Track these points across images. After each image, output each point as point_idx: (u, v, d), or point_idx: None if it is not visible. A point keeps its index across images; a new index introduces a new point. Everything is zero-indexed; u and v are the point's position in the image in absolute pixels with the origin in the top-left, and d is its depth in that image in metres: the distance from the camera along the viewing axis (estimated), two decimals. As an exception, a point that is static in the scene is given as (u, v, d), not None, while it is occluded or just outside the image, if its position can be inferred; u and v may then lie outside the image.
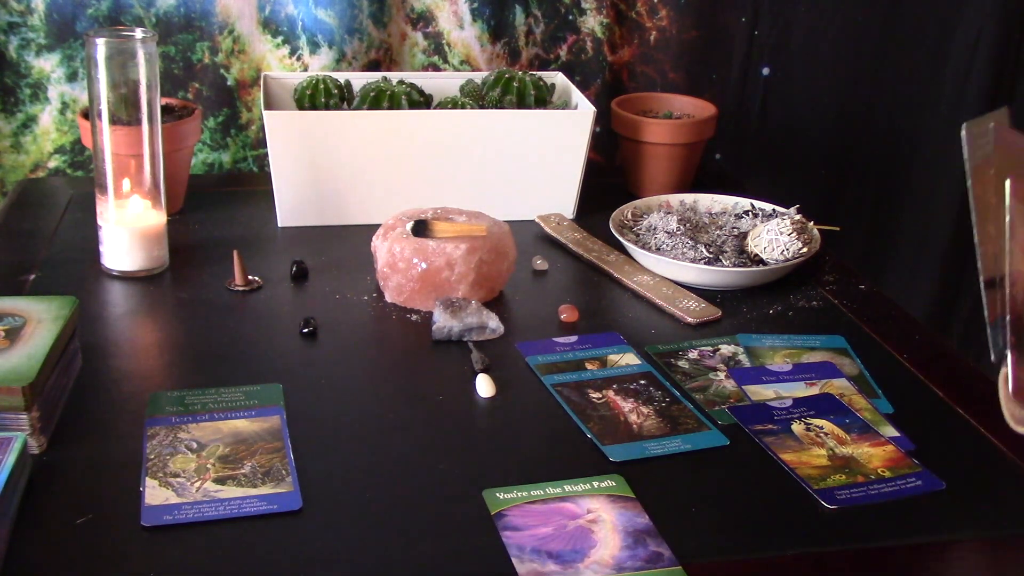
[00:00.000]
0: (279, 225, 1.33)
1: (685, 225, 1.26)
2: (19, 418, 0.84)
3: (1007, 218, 0.80)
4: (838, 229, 1.30)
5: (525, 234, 1.30)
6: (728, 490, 0.86)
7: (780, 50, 1.71)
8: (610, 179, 1.51)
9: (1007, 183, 0.81)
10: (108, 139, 1.14)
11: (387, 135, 1.30)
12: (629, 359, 1.04)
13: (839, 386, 1.01)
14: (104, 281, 1.17)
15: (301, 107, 1.35)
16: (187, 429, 0.90)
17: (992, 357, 0.83)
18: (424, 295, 1.11)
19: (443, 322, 1.06)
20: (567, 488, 0.84)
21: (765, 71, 1.72)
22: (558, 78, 1.48)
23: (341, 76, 1.38)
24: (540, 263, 1.25)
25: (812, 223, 1.26)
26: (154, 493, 0.81)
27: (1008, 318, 0.80)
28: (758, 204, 1.33)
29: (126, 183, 1.16)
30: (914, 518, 0.84)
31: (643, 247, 1.22)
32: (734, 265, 1.19)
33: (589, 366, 1.03)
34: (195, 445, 0.88)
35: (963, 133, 0.84)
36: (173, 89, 1.50)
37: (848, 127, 1.78)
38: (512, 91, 1.38)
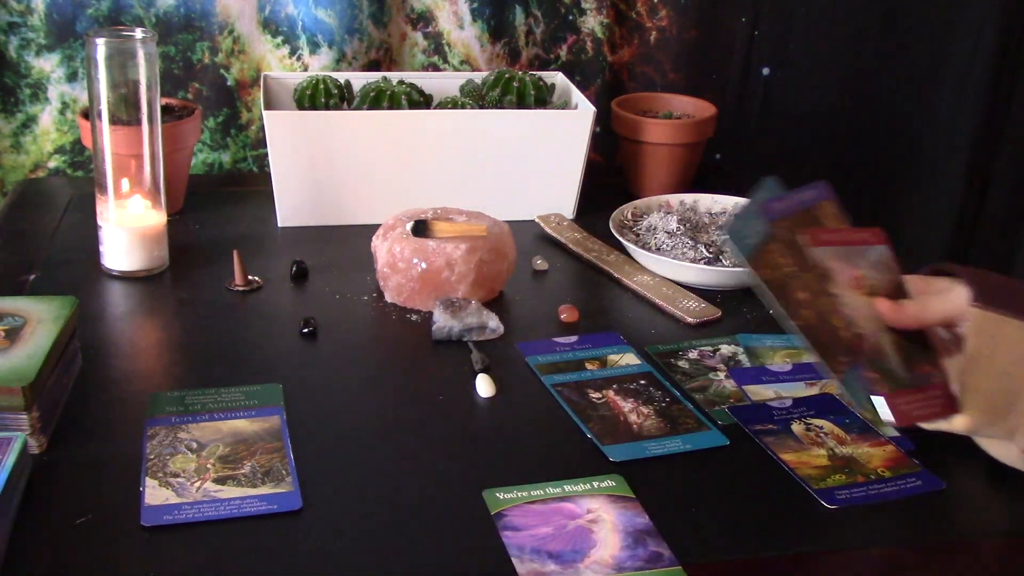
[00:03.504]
0: (279, 225, 1.33)
1: (685, 225, 1.26)
2: (19, 418, 0.84)
3: (814, 265, 0.81)
4: (838, 229, 1.29)
5: (525, 234, 1.30)
6: (728, 490, 0.86)
7: (780, 50, 1.71)
8: (610, 179, 1.51)
9: (799, 238, 0.81)
10: (108, 139, 1.14)
11: (387, 135, 1.30)
12: (629, 359, 1.04)
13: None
14: (104, 281, 1.17)
15: (301, 107, 1.35)
16: (187, 429, 0.90)
17: (862, 411, 0.84)
18: (424, 295, 1.11)
19: (443, 322, 1.06)
20: (567, 488, 0.84)
21: (765, 71, 1.72)
22: (558, 78, 1.48)
23: (341, 76, 1.38)
24: (540, 263, 1.25)
25: (812, 223, 1.26)
26: (154, 493, 0.81)
27: (858, 365, 0.80)
28: (758, 204, 1.33)
29: (126, 183, 1.16)
30: (914, 518, 0.84)
31: (643, 247, 1.22)
32: (734, 265, 1.19)
33: (589, 366, 1.03)
34: (195, 445, 0.88)
35: (728, 239, 0.85)
36: (173, 89, 1.50)
37: (848, 127, 1.78)
38: (512, 91, 1.38)
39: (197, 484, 0.83)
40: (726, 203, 1.35)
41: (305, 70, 1.52)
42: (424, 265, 1.10)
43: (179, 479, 0.83)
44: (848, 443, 0.91)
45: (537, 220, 1.34)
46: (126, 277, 1.17)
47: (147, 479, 0.83)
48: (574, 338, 1.08)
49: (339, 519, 0.80)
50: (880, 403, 0.80)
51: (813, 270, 0.81)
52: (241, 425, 0.91)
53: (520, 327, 1.10)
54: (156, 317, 1.11)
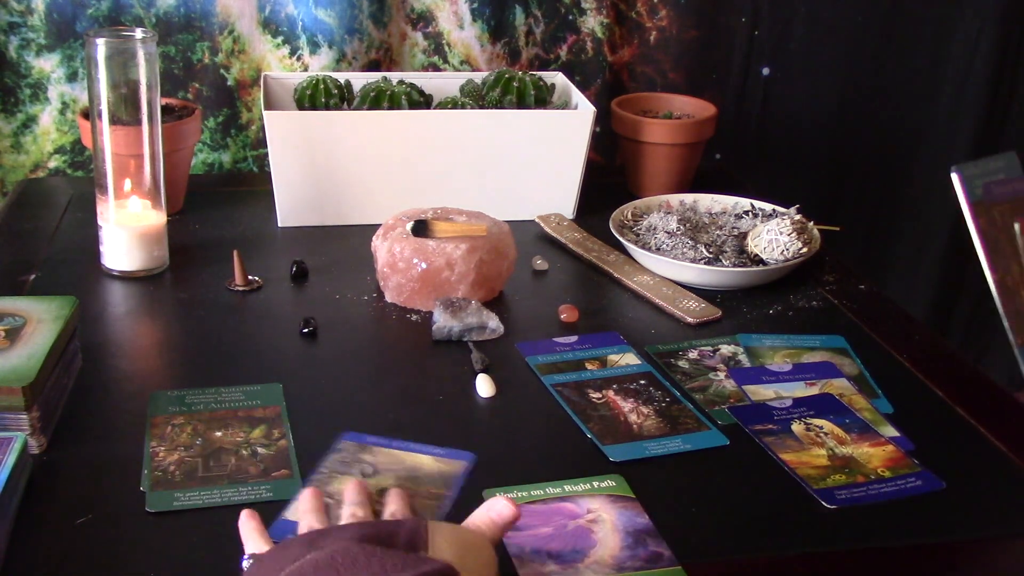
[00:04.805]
0: (279, 225, 1.33)
1: (685, 225, 1.26)
2: (19, 418, 0.84)
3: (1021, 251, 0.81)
4: (838, 229, 1.30)
5: (525, 234, 1.30)
6: (728, 490, 0.86)
7: (780, 50, 1.71)
8: (610, 179, 1.51)
9: (1016, 225, 0.81)
10: (108, 139, 1.14)
11: (387, 135, 1.30)
12: (629, 359, 1.04)
13: (839, 386, 1.01)
14: (104, 281, 1.17)
15: (301, 107, 1.35)
16: (187, 429, 0.90)
17: None
18: (424, 295, 1.11)
19: (443, 322, 1.06)
20: (567, 488, 0.84)
21: (765, 71, 1.72)
22: (558, 78, 1.48)
23: (341, 76, 1.38)
24: (540, 263, 1.25)
25: (812, 223, 1.26)
26: (154, 493, 0.81)
27: None
28: (758, 204, 1.33)
29: (126, 183, 1.16)
30: (914, 518, 0.84)
31: (643, 247, 1.22)
32: (734, 265, 1.19)
33: (589, 366, 1.03)
34: (195, 445, 0.88)
35: (954, 177, 0.84)
36: (173, 89, 1.50)
37: (848, 127, 1.78)
38: (512, 91, 1.38)
39: (197, 484, 0.83)
40: (726, 203, 1.35)
41: (305, 70, 1.52)
42: (424, 265, 1.10)
43: (179, 479, 0.83)
44: (848, 443, 0.91)
45: (537, 220, 1.34)
46: (126, 277, 1.17)
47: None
48: (574, 338, 1.08)
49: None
50: None
51: (1014, 248, 0.80)
52: (241, 425, 0.91)
53: (520, 327, 1.10)
54: (156, 317, 1.11)
